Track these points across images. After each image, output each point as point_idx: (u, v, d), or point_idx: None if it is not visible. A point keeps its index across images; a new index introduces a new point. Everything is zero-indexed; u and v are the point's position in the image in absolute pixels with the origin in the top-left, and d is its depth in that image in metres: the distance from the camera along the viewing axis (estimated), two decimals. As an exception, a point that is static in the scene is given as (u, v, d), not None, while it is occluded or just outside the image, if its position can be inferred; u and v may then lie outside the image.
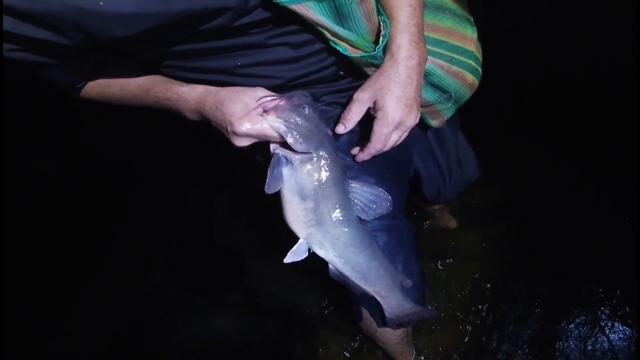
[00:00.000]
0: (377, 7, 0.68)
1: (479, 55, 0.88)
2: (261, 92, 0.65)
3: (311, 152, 0.64)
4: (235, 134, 0.64)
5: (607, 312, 1.33)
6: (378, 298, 0.84)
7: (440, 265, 1.53)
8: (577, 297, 1.37)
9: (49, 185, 1.98)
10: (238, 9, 0.57)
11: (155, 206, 1.93)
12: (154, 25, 0.54)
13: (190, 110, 0.69)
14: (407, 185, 0.99)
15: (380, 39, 0.67)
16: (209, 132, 0.71)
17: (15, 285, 1.61)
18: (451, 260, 1.54)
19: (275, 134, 0.63)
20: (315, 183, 0.65)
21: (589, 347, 1.28)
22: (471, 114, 1.31)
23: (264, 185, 0.64)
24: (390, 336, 1.11)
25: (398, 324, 0.90)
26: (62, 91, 0.73)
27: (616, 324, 1.30)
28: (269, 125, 0.63)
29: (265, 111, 0.65)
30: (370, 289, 0.82)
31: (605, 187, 1.61)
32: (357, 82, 0.75)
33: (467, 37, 0.84)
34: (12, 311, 1.54)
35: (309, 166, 0.65)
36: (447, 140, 1.11)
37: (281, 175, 0.65)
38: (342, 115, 0.73)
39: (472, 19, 0.88)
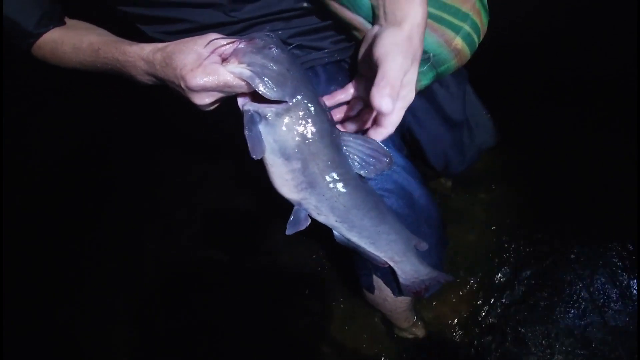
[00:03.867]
0: None
1: (479, 22, 0.73)
2: (213, 35, 0.53)
3: (286, 101, 0.53)
4: (191, 89, 0.53)
5: (612, 279, 1.29)
6: (391, 264, 0.75)
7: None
8: (583, 262, 1.33)
9: (45, 162, 1.98)
10: None
11: (152, 174, 1.91)
12: None
13: (141, 72, 0.60)
14: (403, 141, 0.87)
15: None
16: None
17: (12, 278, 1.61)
18: (452, 225, 1.47)
19: (239, 83, 0.52)
20: (298, 138, 0.54)
21: (593, 312, 1.25)
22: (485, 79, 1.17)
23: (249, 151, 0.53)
24: (399, 304, 1.04)
25: (414, 291, 0.81)
26: (18, 37, 0.67)
27: (621, 290, 1.27)
28: (230, 72, 0.51)
29: (224, 60, 0.53)
30: (382, 255, 0.72)
31: (617, 157, 1.52)
32: (326, 21, 0.63)
33: None
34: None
35: (286, 118, 0.53)
36: (453, 97, 0.95)
37: (261, 134, 0.54)
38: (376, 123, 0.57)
39: None
